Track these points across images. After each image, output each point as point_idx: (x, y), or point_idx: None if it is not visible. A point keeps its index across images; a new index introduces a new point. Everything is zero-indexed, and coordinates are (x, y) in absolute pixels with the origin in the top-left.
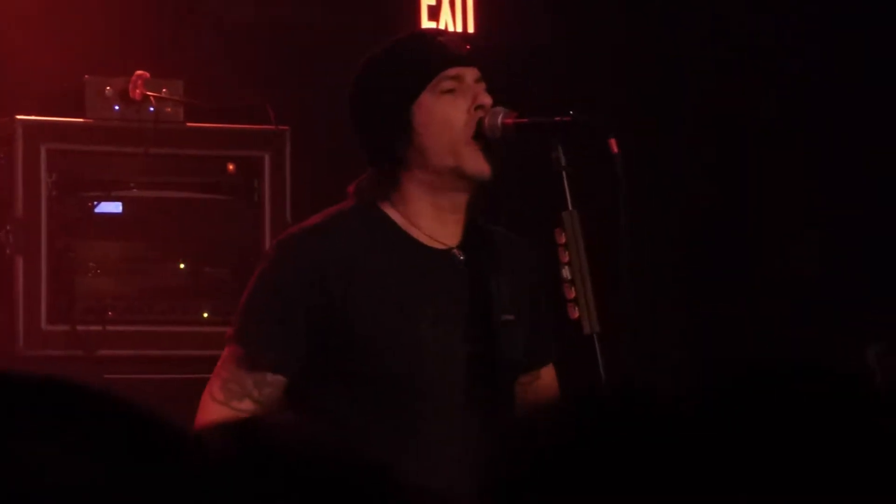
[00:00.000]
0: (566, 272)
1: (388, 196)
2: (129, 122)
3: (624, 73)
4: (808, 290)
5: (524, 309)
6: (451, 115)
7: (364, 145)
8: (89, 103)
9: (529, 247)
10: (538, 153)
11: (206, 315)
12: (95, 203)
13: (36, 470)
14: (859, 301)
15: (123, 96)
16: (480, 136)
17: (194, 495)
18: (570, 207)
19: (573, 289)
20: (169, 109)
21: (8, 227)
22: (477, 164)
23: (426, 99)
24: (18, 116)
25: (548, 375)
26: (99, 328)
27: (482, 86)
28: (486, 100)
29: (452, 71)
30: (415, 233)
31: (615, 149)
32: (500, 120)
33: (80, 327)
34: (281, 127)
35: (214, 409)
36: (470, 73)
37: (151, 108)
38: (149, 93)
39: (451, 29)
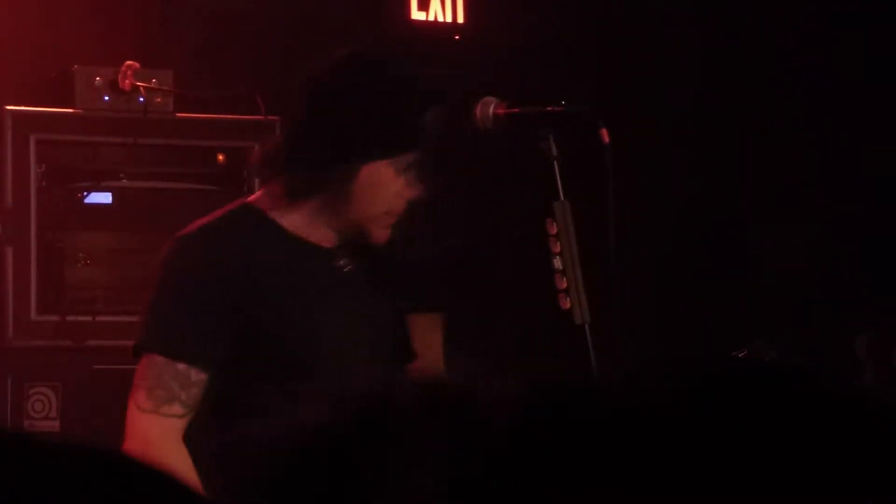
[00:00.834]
0: (557, 262)
1: (283, 206)
2: (118, 113)
3: (618, 65)
4: (803, 287)
5: (401, 301)
6: (387, 192)
7: (295, 155)
8: (79, 93)
9: (398, 239)
10: (529, 143)
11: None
12: (85, 193)
13: None
14: (854, 298)
15: (113, 86)
16: (396, 215)
17: None
18: (562, 197)
19: (564, 279)
20: (158, 100)
21: None
22: (381, 237)
23: (379, 166)
24: (8, 107)
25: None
26: (88, 318)
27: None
28: (416, 194)
29: (415, 155)
30: (302, 234)
31: (606, 139)
32: (491, 110)
33: (69, 317)
34: (270, 117)
35: (144, 419)
36: (426, 157)
37: (141, 99)
38: (138, 83)
39: (440, 19)
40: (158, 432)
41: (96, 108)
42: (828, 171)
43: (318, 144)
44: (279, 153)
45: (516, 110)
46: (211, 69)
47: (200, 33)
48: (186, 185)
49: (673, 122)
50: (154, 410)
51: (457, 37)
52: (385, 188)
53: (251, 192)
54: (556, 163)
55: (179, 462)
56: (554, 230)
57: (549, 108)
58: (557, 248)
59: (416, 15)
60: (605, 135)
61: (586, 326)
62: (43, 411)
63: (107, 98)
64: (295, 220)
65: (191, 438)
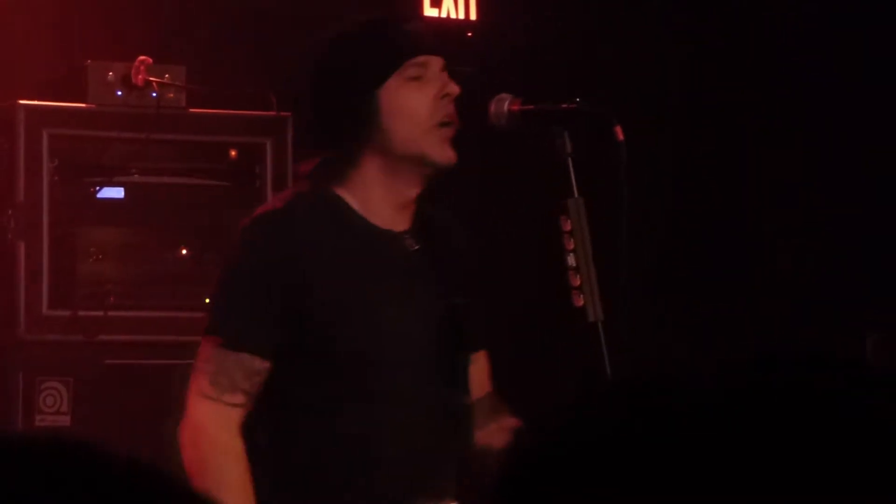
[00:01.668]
0: (571, 260)
1: (343, 180)
2: (131, 108)
3: (620, 64)
4: (807, 287)
5: (467, 293)
6: (417, 102)
7: (322, 126)
8: (91, 89)
9: (460, 224)
10: (544, 140)
11: (207, 301)
12: (97, 188)
13: None
14: (857, 298)
15: (126, 82)
16: (446, 124)
17: None
18: (576, 195)
19: (578, 276)
20: (171, 95)
21: (10, 212)
22: (442, 152)
23: (392, 85)
24: (21, 101)
25: (482, 360)
26: (100, 313)
27: (446, 74)
28: (454, 89)
29: (420, 58)
30: (370, 216)
31: (620, 136)
32: (506, 107)
33: (81, 312)
34: (283, 113)
35: (204, 405)
36: (436, 62)
37: (154, 94)
38: (151, 78)
39: (452, 15)
40: (217, 421)
41: (109, 103)
42: (828, 170)
43: (329, 93)
44: (310, 123)
45: (531, 107)
46: (224, 65)
47: (213, 29)
48: (198, 180)
49: (672, 121)
50: (216, 398)
51: (469, 34)
52: (411, 99)
53: (263, 187)
54: (570, 160)
55: (231, 454)
56: (568, 227)
57: (563, 106)
58: (571, 246)
59: (429, 11)
60: (619, 132)
61: (599, 324)
62: (54, 406)
63: (119, 93)
64: (360, 196)
65: (247, 428)
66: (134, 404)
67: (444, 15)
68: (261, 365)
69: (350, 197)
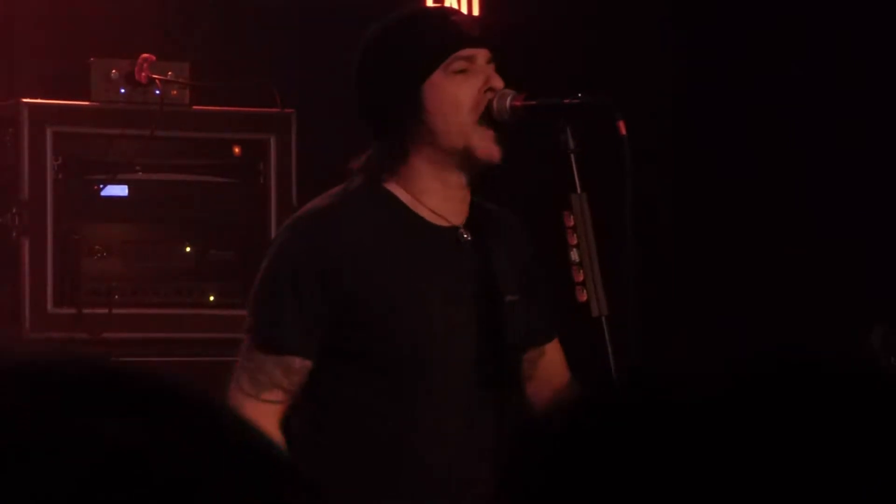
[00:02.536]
0: (574, 255)
1: (393, 174)
2: (134, 105)
3: (620, 63)
4: (813, 278)
5: (524, 287)
6: (462, 96)
7: (370, 119)
8: (95, 86)
9: (521, 223)
10: (547, 135)
11: (211, 298)
12: (101, 186)
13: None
14: (865, 288)
15: (129, 79)
16: (490, 118)
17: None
18: (579, 190)
19: (581, 272)
20: (175, 92)
21: (14, 210)
22: (487, 147)
23: (438, 78)
24: (24, 99)
25: (553, 351)
26: (105, 311)
27: (492, 67)
28: (498, 82)
29: (465, 52)
30: (421, 211)
31: (623, 131)
32: (508, 102)
33: (85, 310)
34: (287, 109)
35: (245, 402)
36: (482, 55)
37: (157, 91)
38: (154, 75)
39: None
40: (256, 416)
41: (112, 100)
42: (828, 170)
43: (375, 86)
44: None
45: (534, 102)
46: (227, 62)
47: (217, 26)
48: (202, 177)
49: (676, 115)
50: (255, 396)
51: (480, 27)
52: (453, 92)
53: (267, 184)
54: (573, 155)
55: None
56: (571, 222)
57: (566, 100)
58: (574, 241)
59: (431, 2)
60: (622, 127)
61: (603, 319)
62: None
63: (123, 90)
64: (410, 190)
65: (290, 424)
66: None
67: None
68: (300, 364)
69: (400, 191)
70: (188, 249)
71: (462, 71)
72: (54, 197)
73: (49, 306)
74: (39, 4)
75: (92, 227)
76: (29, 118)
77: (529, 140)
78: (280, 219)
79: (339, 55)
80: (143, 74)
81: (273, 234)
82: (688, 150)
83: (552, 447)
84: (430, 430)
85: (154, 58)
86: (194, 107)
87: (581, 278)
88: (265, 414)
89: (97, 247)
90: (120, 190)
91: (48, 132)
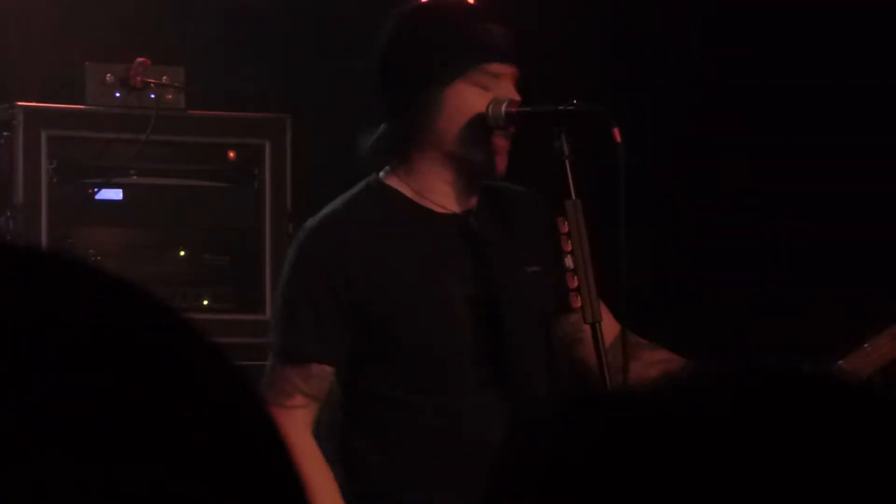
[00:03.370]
0: (569, 261)
1: (395, 169)
2: (129, 109)
3: (621, 62)
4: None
5: (547, 258)
6: (477, 108)
7: (385, 99)
8: (90, 90)
9: (536, 195)
10: (541, 142)
11: (206, 302)
12: (96, 190)
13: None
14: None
15: (124, 83)
16: (485, 125)
17: None
18: (574, 196)
19: (576, 278)
20: (170, 96)
21: (8, 214)
22: (491, 161)
23: (461, 86)
24: (19, 103)
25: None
26: None
27: (514, 85)
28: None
29: (494, 67)
30: (426, 203)
31: (618, 138)
32: (503, 109)
33: None
34: (281, 115)
35: (272, 412)
36: (508, 73)
37: (152, 95)
38: (150, 80)
39: None
40: (283, 423)
41: (108, 104)
42: (827, 170)
43: (397, 77)
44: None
45: (528, 109)
46: (223, 66)
47: (212, 30)
48: (197, 181)
49: (671, 121)
50: (280, 404)
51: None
52: (474, 106)
53: (262, 189)
54: (568, 162)
55: (303, 450)
56: (566, 229)
57: (561, 107)
58: (569, 247)
59: None
60: (617, 134)
61: (597, 326)
62: None
63: (118, 94)
64: (414, 184)
65: (321, 424)
66: None
67: None
68: (318, 369)
69: (403, 186)
70: (182, 254)
71: (485, 87)
72: (49, 200)
73: None
74: (35, 9)
75: (86, 230)
76: (24, 122)
77: (524, 147)
78: (274, 224)
79: (334, 61)
80: (139, 78)
81: (267, 239)
82: (688, 153)
83: (551, 446)
84: (465, 410)
85: (149, 62)
86: (189, 111)
87: (575, 284)
88: (291, 418)
89: (91, 250)
90: (114, 194)
91: (43, 136)
